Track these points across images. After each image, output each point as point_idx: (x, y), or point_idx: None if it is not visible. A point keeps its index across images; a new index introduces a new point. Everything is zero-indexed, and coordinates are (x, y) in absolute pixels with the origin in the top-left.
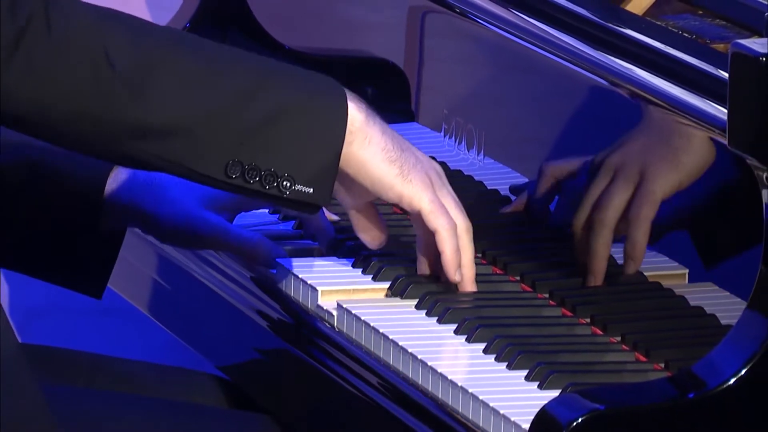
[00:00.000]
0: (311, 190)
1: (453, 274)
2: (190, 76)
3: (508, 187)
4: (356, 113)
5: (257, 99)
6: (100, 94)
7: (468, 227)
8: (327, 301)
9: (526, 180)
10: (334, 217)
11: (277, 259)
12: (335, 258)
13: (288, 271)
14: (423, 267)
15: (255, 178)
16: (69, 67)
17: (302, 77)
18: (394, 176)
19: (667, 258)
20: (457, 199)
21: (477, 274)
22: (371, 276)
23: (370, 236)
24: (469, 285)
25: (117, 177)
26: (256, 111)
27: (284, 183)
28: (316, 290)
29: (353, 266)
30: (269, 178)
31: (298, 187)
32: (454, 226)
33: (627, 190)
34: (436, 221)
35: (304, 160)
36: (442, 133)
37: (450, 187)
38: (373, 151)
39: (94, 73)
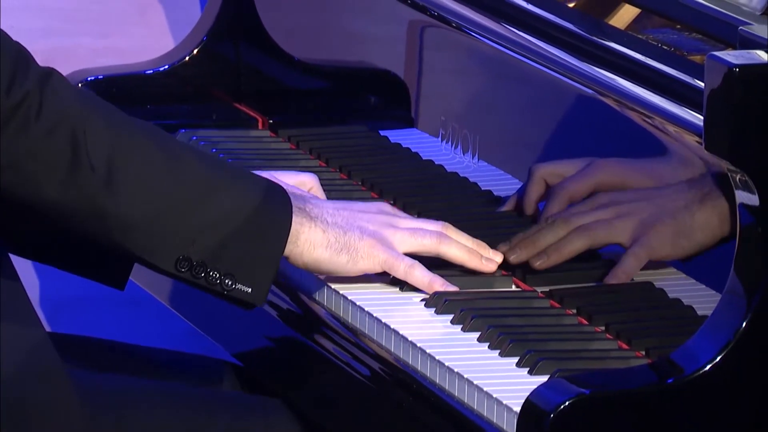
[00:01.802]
0: (249, 290)
1: (483, 267)
2: (155, 175)
3: (500, 187)
4: (300, 224)
5: (210, 202)
6: (74, 182)
7: (437, 240)
8: (333, 287)
9: (517, 181)
10: None
11: None
12: None
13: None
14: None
15: (200, 274)
16: (50, 151)
17: (254, 186)
18: (345, 264)
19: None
20: (412, 223)
21: (471, 269)
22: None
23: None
24: (499, 256)
25: None
26: (209, 213)
27: (226, 281)
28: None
29: None
30: (213, 275)
31: (239, 286)
32: (413, 265)
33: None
34: (397, 271)
35: (246, 263)
36: (440, 138)
37: (402, 215)
38: (319, 252)
39: (72, 160)
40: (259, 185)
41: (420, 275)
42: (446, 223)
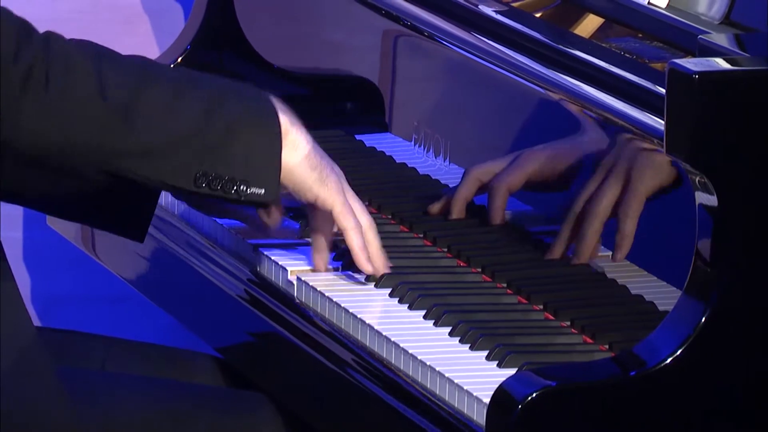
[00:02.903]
0: (262, 191)
1: (364, 266)
2: (163, 105)
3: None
4: (286, 124)
5: (214, 119)
6: (93, 125)
7: (371, 225)
8: (311, 285)
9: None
10: None
11: (259, 249)
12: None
13: (267, 258)
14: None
15: (218, 186)
16: (66, 107)
17: (245, 95)
18: (313, 180)
19: (609, 252)
20: (361, 202)
21: (444, 266)
22: (351, 269)
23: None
24: (381, 270)
25: None
26: (215, 129)
27: (241, 187)
28: (286, 270)
29: (333, 259)
30: (229, 185)
31: (252, 189)
32: (360, 226)
33: (617, 189)
34: (345, 222)
35: (254, 167)
36: (413, 142)
37: (353, 192)
38: (298, 156)
39: (87, 110)
40: (249, 94)
41: (359, 243)
42: (373, 224)
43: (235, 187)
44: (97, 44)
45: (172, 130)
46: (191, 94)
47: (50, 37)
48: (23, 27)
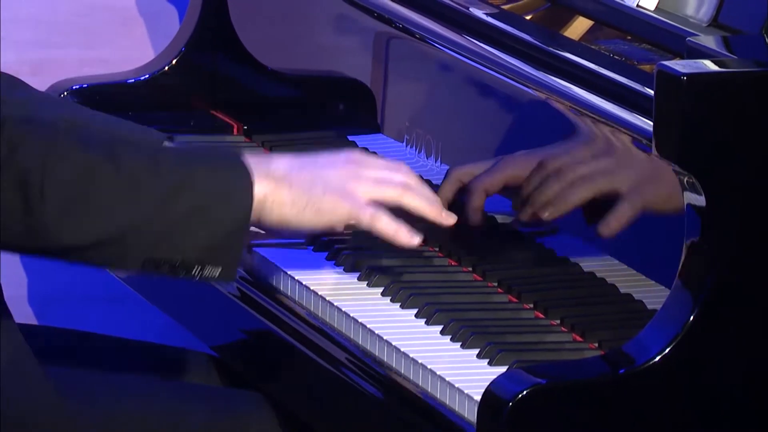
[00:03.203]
0: (219, 270)
1: (408, 242)
2: (112, 198)
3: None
4: (266, 189)
5: (172, 203)
6: (29, 224)
7: (401, 191)
8: (305, 284)
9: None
10: None
11: (254, 248)
12: (311, 251)
13: (261, 257)
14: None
15: (166, 269)
16: (5, 200)
17: (213, 174)
18: (310, 220)
19: (598, 251)
20: (377, 173)
21: (436, 266)
22: (343, 267)
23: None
24: (442, 221)
25: None
26: (171, 214)
27: (195, 269)
28: (281, 269)
29: (326, 258)
30: (180, 268)
31: (208, 270)
32: (376, 215)
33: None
34: (363, 223)
35: (213, 250)
36: (405, 143)
37: (371, 164)
38: (286, 211)
39: (25, 208)
40: (217, 170)
41: (386, 224)
42: (410, 170)
43: (185, 270)
44: (46, 125)
45: (118, 224)
46: (149, 184)
47: (1, 125)
48: None
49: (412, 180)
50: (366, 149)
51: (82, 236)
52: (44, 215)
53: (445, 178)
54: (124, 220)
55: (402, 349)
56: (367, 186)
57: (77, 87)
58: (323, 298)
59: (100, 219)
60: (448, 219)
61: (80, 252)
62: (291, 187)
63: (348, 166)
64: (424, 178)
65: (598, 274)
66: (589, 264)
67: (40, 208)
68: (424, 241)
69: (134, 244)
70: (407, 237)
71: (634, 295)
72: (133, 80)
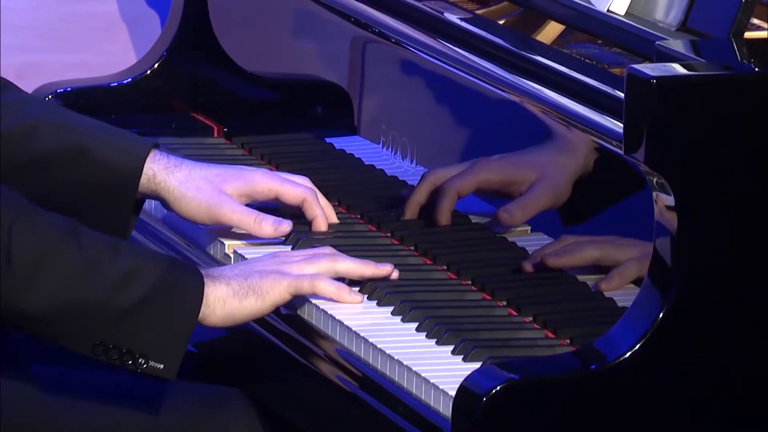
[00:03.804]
0: (162, 366)
1: (350, 300)
2: (73, 274)
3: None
4: (206, 287)
5: (124, 292)
6: None
7: (331, 260)
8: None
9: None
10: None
11: (234, 249)
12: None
13: (241, 258)
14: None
15: (115, 356)
16: None
17: (166, 268)
18: (254, 304)
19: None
20: (306, 255)
21: (411, 264)
22: None
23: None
24: (381, 275)
25: (153, 160)
26: (122, 301)
27: (139, 360)
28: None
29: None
30: (127, 356)
31: (151, 363)
32: (315, 278)
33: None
34: (303, 291)
35: (158, 343)
36: (381, 145)
37: (294, 252)
38: (229, 304)
39: None
40: (171, 266)
41: (326, 286)
42: (334, 250)
43: (132, 359)
44: (12, 193)
45: (75, 300)
46: (107, 266)
47: None
48: None
49: (337, 254)
50: (343, 151)
51: (38, 308)
52: (7, 280)
53: (419, 182)
54: (81, 296)
55: (378, 346)
56: (299, 264)
57: (61, 90)
58: (302, 297)
59: (60, 290)
60: (385, 270)
61: (37, 324)
62: (229, 282)
63: (275, 258)
64: (400, 179)
65: (570, 273)
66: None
67: (5, 269)
68: (400, 240)
69: (85, 326)
70: (349, 296)
71: (604, 293)
72: (115, 84)
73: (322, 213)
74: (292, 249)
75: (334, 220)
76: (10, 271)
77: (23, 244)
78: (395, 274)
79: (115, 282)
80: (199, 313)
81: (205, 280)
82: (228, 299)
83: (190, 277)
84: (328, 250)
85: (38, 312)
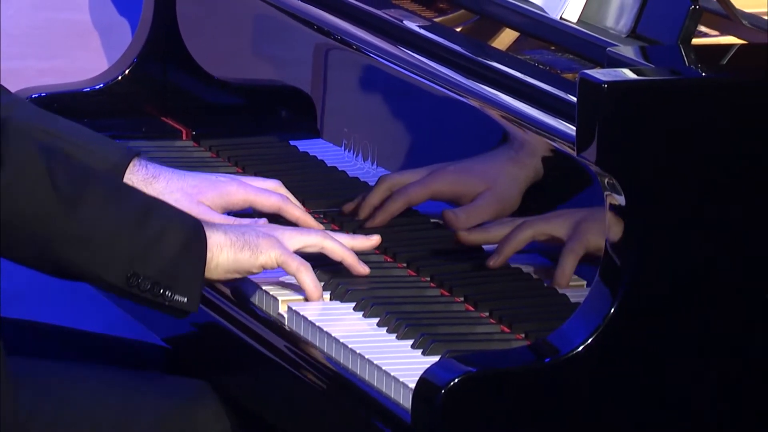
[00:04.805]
0: (185, 299)
1: (314, 298)
2: (105, 200)
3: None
4: (210, 236)
5: (149, 221)
6: (41, 211)
7: (322, 236)
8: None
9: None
10: None
11: None
12: None
13: None
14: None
15: (147, 286)
16: (17, 194)
17: (176, 209)
18: (248, 259)
19: (525, 247)
20: (297, 229)
21: (373, 262)
22: None
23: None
24: (357, 269)
25: (132, 170)
26: (149, 231)
27: (167, 293)
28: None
29: None
30: (157, 289)
31: (177, 297)
32: (304, 264)
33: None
34: (290, 268)
35: (179, 275)
36: (343, 148)
37: (295, 211)
38: (225, 253)
39: (38, 196)
40: (173, 210)
41: (307, 279)
42: (320, 237)
43: (161, 292)
44: (55, 128)
45: (112, 225)
46: (129, 198)
47: (5, 126)
48: None
49: (328, 236)
50: (306, 153)
51: (87, 224)
52: (56, 199)
53: (376, 184)
54: (119, 217)
55: (341, 340)
56: (292, 233)
57: (36, 95)
58: (267, 293)
59: (101, 212)
60: (363, 268)
61: (80, 245)
62: (226, 232)
63: (269, 225)
64: (362, 180)
65: (525, 270)
66: (516, 260)
67: (51, 191)
68: None
69: (119, 252)
70: (320, 294)
71: (558, 289)
72: (88, 89)
73: (302, 217)
74: None
75: (313, 224)
76: (56, 193)
77: (64, 170)
78: (364, 269)
79: (139, 212)
80: (206, 252)
81: (209, 232)
82: (225, 248)
83: (193, 218)
84: (317, 227)
85: (84, 233)
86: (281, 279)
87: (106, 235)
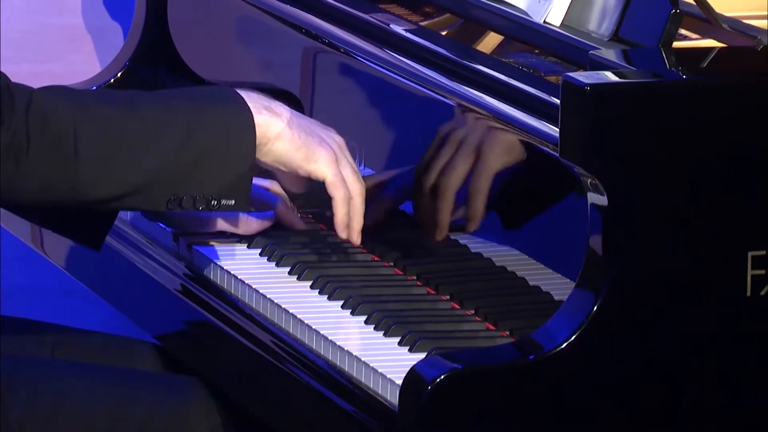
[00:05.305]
0: (233, 202)
1: (341, 233)
2: (138, 146)
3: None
4: (262, 122)
5: (186, 150)
6: (68, 184)
7: (360, 191)
8: (240, 278)
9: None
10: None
11: (193, 246)
12: (246, 248)
13: (199, 253)
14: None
15: (189, 204)
16: (44, 171)
17: (218, 107)
18: (300, 160)
19: (510, 247)
20: (355, 168)
21: (358, 261)
22: (275, 262)
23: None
24: (354, 237)
25: None
26: (186, 160)
27: (212, 202)
28: (217, 264)
29: (260, 254)
30: (201, 201)
31: (224, 202)
32: (348, 197)
33: (467, 163)
34: (334, 192)
35: (225, 183)
36: None
37: (350, 157)
38: (281, 144)
39: (64, 169)
40: (224, 112)
41: (342, 212)
42: (362, 191)
43: (205, 203)
44: (70, 92)
45: (146, 170)
46: (164, 129)
47: (31, 100)
48: (7, 91)
49: (359, 194)
50: None
51: (115, 188)
52: (81, 173)
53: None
54: (149, 168)
55: (329, 338)
56: (348, 166)
57: None
58: (257, 291)
59: (130, 170)
60: (342, 235)
61: (116, 201)
62: (290, 125)
63: (336, 141)
64: None
65: (509, 268)
66: (500, 259)
67: (75, 167)
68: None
69: (159, 188)
70: (347, 233)
71: (542, 287)
72: None
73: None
74: (249, 247)
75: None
76: (80, 167)
77: (88, 138)
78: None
79: (177, 142)
80: (254, 147)
81: (269, 115)
82: (283, 140)
83: (242, 120)
84: (356, 189)
85: (113, 194)
86: (270, 277)
87: (140, 182)
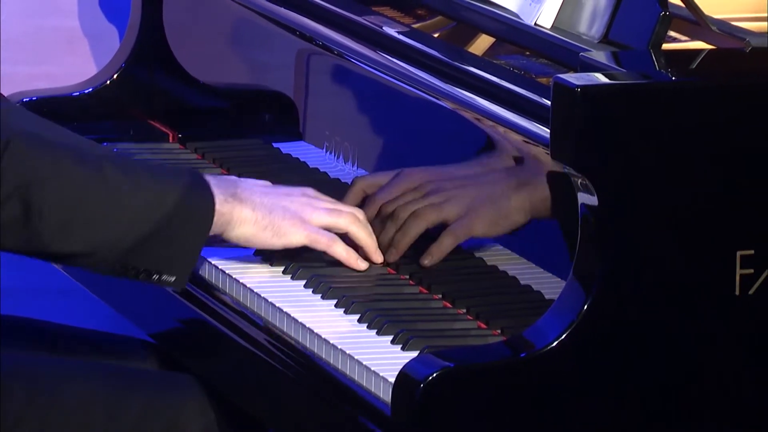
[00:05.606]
0: (173, 278)
1: (357, 267)
2: (99, 215)
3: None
4: (226, 211)
5: (142, 225)
6: (27, 236)
7: (349, 222)
8: (235, 277)
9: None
10: None
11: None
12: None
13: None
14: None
15: (133, 274)
16: (9, 210)
17: (182, 193)
18: (270, 238)
19: (501, 247)
20: (333, 206)
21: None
22: (270, 263)
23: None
24: (374, 258)
25: None
26: (141, 232)
27: (154, 276)
28: (212, 263)
29: (254, 254)
30: (144, 274)
31: (164, 278)
32: (333, 241)
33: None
34: (319, 246)
35: (171, 263)
36: (324, 150)
37: (323, 198)
38: (247, 228)
39: (24, 225)
40: (183, 193)
41: (341, 249)
42: (353, 219)
43: (147, 276)
44: (44, 140)
45: (102, 237)
46: (127, 200)
47: (8, 146)
48: None
49: (360, 214)
50: (289, 155)
51: (69, 248)
52: (41, 231)
53: (350, 188)
54: (106, 236)
55: (323, 336)
56: (321, 214)
57: (27, 99)
58: (251, 290)
59: (88, 235)
60: (378, 257)
61: (68, 259)
62: (254, 209)
63: (303, 198)
64: (342, 181)
65: (501, 267)
66: (492, 258)
67: (37, 225)
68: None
69: (111, 254)
70: (356, 262)
71: (533, 286)
72: (77, 93)
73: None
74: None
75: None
76: (42, 224)
77: (54, 199)
78: (379, 258)
79: (137, 215)
80: (208, 233)
81: (233, 202)
82: (249, 224)
83: (204, 201)
84: (349, 208)
85: (65, 252)
86: (264, 276)
87: (93, 247)
